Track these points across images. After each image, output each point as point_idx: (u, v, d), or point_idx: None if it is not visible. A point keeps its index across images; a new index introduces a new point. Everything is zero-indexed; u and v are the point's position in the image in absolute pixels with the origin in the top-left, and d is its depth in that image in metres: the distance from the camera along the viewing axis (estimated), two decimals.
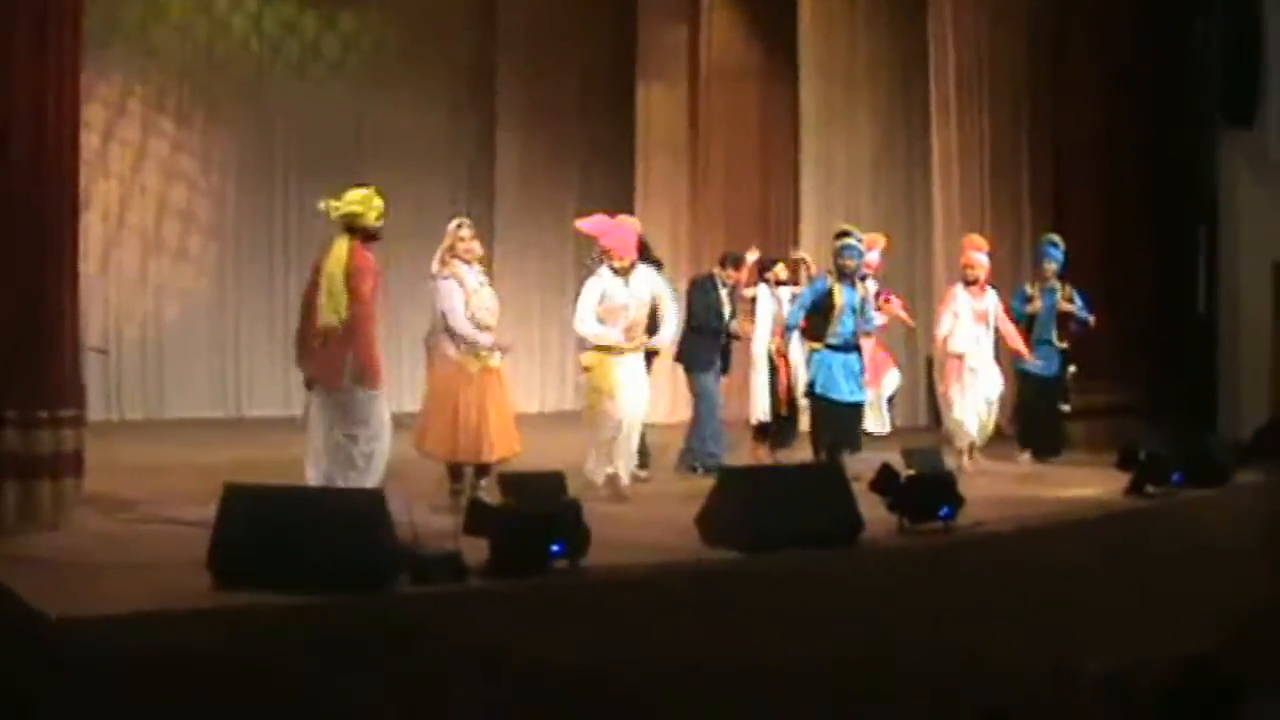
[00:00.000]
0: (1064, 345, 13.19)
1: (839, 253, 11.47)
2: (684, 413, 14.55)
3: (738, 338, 12.52)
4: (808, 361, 11.60)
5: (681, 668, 6.60)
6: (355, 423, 8.78)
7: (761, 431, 12.69)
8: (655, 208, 18.08)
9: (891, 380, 13.28)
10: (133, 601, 6.63)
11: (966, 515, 9.21)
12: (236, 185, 17.93)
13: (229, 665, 5.99)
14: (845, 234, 11.64)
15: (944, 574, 8.61)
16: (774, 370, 12.53)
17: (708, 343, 12.27)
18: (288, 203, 17.86)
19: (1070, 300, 13.13)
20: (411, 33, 18.75)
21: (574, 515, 7.63)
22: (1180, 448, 11.11)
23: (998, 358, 12.84)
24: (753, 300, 12.73)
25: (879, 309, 12.53)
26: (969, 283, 12.65)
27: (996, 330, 12.72)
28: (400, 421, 9.21)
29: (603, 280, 10.55)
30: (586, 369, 10.74)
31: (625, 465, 10.60)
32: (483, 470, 9.84)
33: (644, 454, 11.27)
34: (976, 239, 13.08)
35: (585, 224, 11.13)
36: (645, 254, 11.07)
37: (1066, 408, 13.38)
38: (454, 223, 10.20)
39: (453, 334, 9.88)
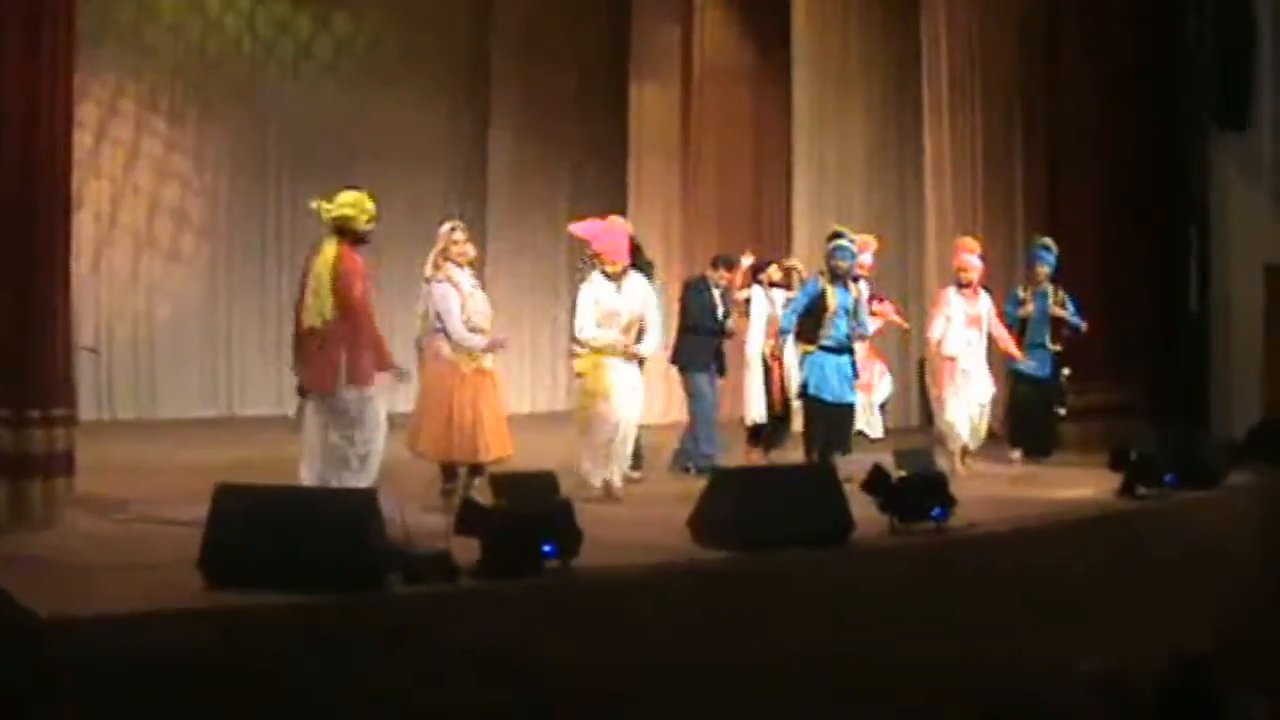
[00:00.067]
0: (1057, 348, 13.21)
1: (831, 254, 11.48)
2: (677, 414, 14.57)
3: (731, 335, 12.53)
4: (801, 363, 11.61)
5: (674, 668, 6.61)
6: (349, 424, 8.77)
7: (755, 434, 12.69)
8: (648, 207, 18.08)
9: (884, 387, 13.27)
10: (124, 601, 6.62)
11: (958, 516, 9.22)
12: (229, 185, 17.90)
13: (221, 665, 5.98)
14: (838, 235, 11.64)
15: (935, 574, 8.61)
16: (767, 372, 12.54)
17: (702, 343, 12.26)
18: (280, 202, 17.83)
19: (1062, 305, 13.15)
20: (405, 32, 18.73)
21: (566, 516, 7.63)
22: (1172, 448, 11.11)
23: (990, 360, 12.84)
24: (746, 302, 12.74)
25: (872, 313, 12.53)
26: (962, 285, 12.65)
27: (989, 333, 12.72)
28: (393, 422, 9.20)
29: (596, 286, 10.57)
30: (579, 374, 10.76)
31: (619, 468, 10.61)
32: (476, 470, 9.83)
33: (637, 455, 11.27)
34: (969, 241, 13.08)
35: (578, 228, 11.15)
36: (637, 255, 11.08)
37: (1062, 411, 13.41)
38: (447, 225, 10.18)
39: (447, 335, 9.88)
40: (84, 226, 15.39)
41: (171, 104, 17.44)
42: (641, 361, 10.74)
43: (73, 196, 9.53)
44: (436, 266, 9.95)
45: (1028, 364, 13.09)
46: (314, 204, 9.09)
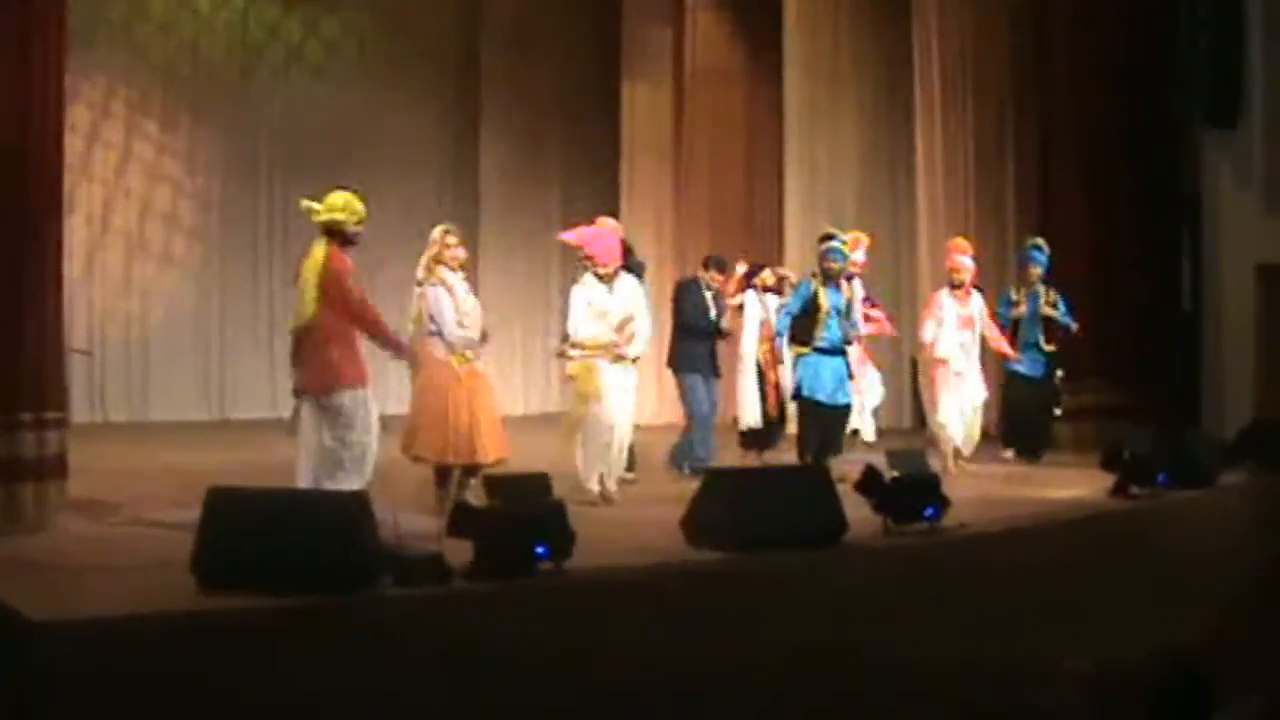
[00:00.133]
0: (1050, 348, 13.22)
1: (824, 255, 11.48)
2: (669, 415, 14.59)
3: (727, 335, 12.53)
4: (795, 365, 11.61)
5: (667, 669, 6.60)
6: (343, 425, 8.76)
7: (749, 438, 12.70)
8: (640, 207, 18.11)
9: (875, 392, 13.26)
10: (116, 604, 6.62)
11: (951, 516, 9.22)
12: (221, 187, 17.91)
13: (213, 667, 5.97)
14: (829, 236, 11.65)
15: (929, 575, 8.61)
16: (761, 376, 12.56)
17: (696, 345, 12.26)
18: (272, 205, 17.84)
19: (1053, 306, 13.17)
20: (396, 35, 18.75)
21: (558, 517, 7.62)
22: (1165, 448, 11.12)
23: (984, 362, 12.85)
24: (740, 307, 12.75)
25: (866, 319, 12.52)
26: (954, 286, 12.66)
27: (982, 334, 12.73)
28: (385, 424, 9.20)
29: (588, 288, 10.59)
30: (571, 377, 10.77)
31: (614, 470, 10.61)
32: (470, 471, 9.81)
33: (630, 457, 11.27)
34: (961, 242, 13.09)
35: (568, 235, 11.20)
36: (629, 256, 11.08)
37: (1058, 411, 13.43)
38: (439, 229, 10.17)
39: (441, 337, 9.86)
40: (76, 229, 15.41)
41: (163, 107, 17.46)
42: (634, 361, 10.74)
43: (64, 199, 9.53)
44: (429, 270, 9.94)
45: (1020, 364, 13.11)
46: (303, 204, 9.10)
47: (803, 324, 11.38)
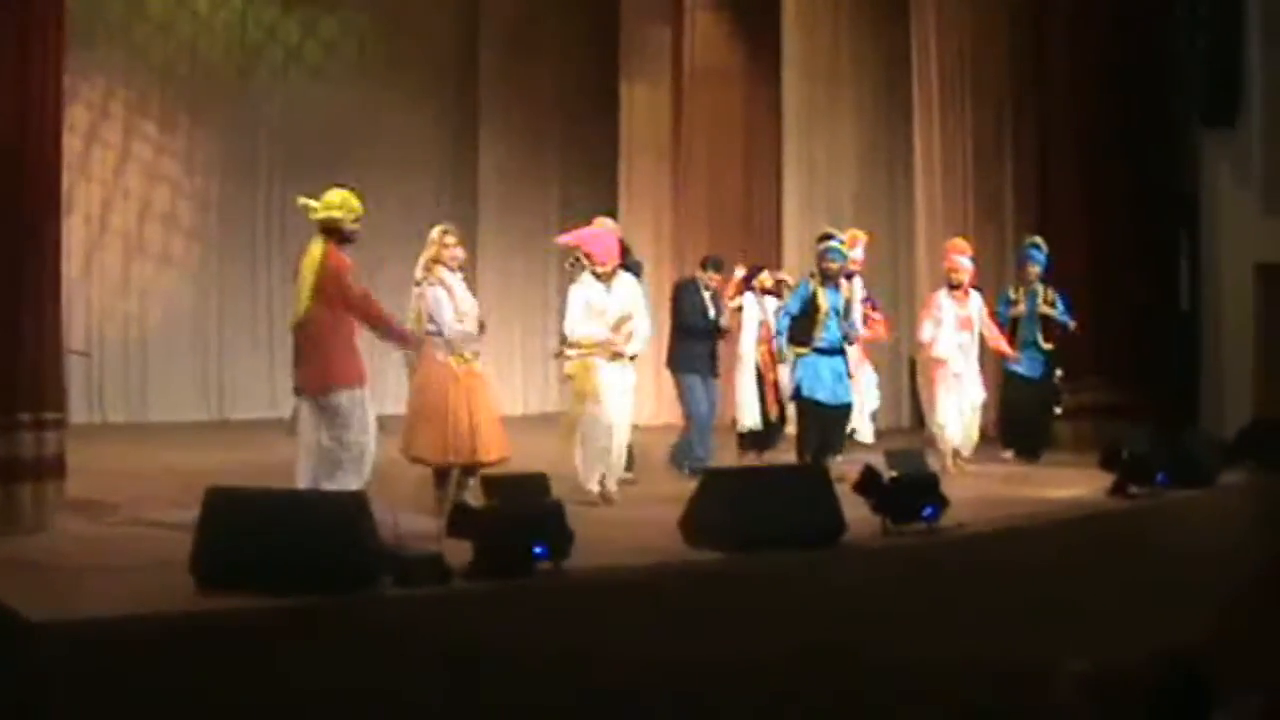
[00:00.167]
0: (1049, 347, 13.22)
1: (822, 255, 11.48)
2: (668, 416, 14.58)
3: (726, 334, 12.53)
4: (794, 366, 11.61)
5: (666, 668, 6.60)
6: (339, 426, 8.75)
7: (748, 439, 12.69)
8: (638, 208, 18.11)
9: (871, 395, 13.26)
10: (115, 604, 6.61)
11: (950, 516, 9.22)
12: (220, 188, 17.91)
13: (212, 668, 5.97)
14: (827, 236, 11.65)
15: (927, 575, 8.61)
16: (760, 379, 12.55)
17: (695, 345, 12.25)
18: (270, 205, 17.84)
19: (1051, 304, 13.17)
20: (394, 35, 18.75)
21: (557, 517, 7.62)
22: (1164, 448, 11.12)
23: (983, 362, 12.84)
24: (738, 310, 12.75)
25: (866, 320, 12.52)
26: (952, 286, 12.66)
27: (980, 333, 12.73)
28: (383, 424, 9.19)
29: (585, 287, 10.59)
30: (569, 376, 10.76)
31: (613, 471, 10.60)
32: (470, 471, 9.80)
33: (629, 457, 11.27)
34: (960, 243, 13.09)
35: (565, 237, 11.21)
36: (626, 256, 11.08)
37: (1058, 410, 13.43)
38: (437, 229, 10.16)
39: (441, 337, 9.84)
40: (74, 230, 15.41)
41: (161, 107, 17.46)
42: (631, 359, 10.73)
43: (63, 200, 9.52)
44: (428, 269, 9.94)
45: (1019, 364, 13.11)
46: (300, 202, 9.08)
47: (801, 324, 11.38)
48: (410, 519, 8.14)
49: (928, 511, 9.06)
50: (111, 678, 5.74)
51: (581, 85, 19.51)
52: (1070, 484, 11.44)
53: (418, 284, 9.95)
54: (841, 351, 11.47)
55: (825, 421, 11.33)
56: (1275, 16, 14.28)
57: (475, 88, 19.35)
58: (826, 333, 11.33)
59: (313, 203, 8.96)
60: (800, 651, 6.86)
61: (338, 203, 8.92)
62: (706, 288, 12.37)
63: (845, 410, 11.57)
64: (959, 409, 12.47)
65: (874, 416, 13.32)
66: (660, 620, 7.23)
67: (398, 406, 10.43)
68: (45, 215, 8.94)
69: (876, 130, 16.87)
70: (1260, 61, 14.34)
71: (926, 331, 12.71)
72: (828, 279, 11.43)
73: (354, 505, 7.25)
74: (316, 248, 8.85)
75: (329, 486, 8.54)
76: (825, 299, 11.36)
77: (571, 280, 10.96)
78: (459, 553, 7.27)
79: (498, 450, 9.85)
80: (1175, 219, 15.15)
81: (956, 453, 12.52)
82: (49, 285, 8.98)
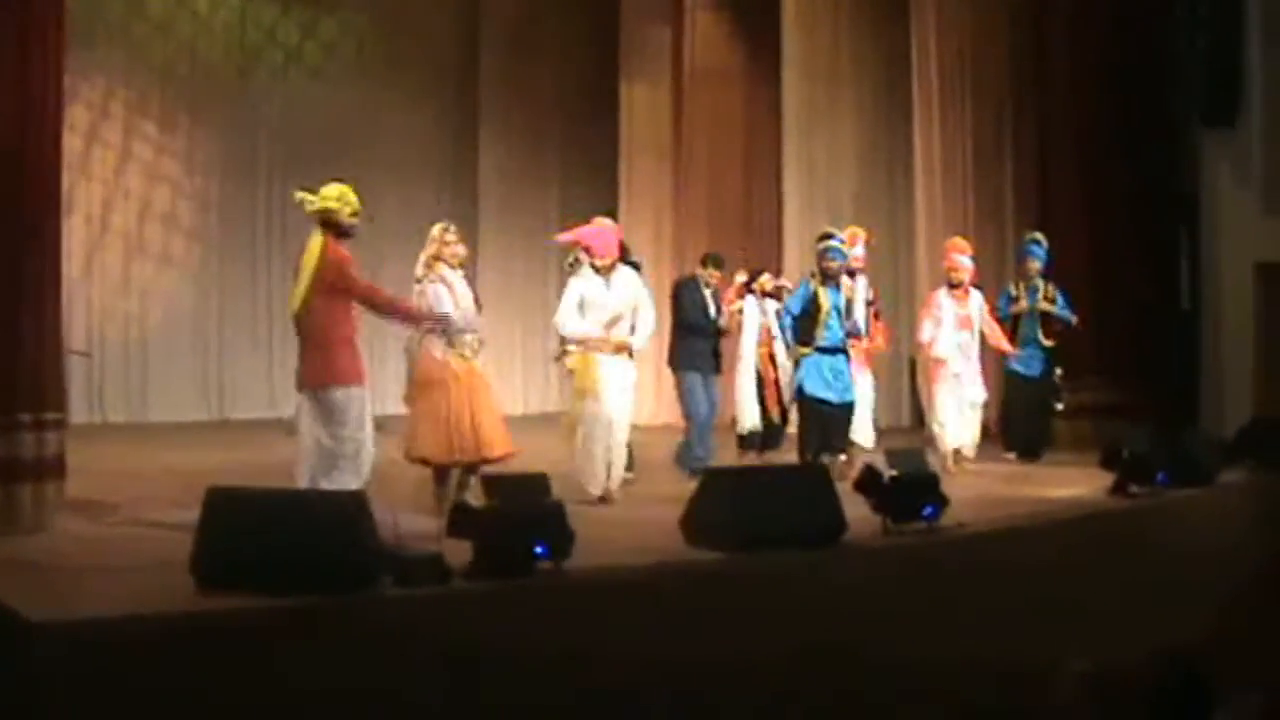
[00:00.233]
0: (1049, 344, 13.22)
1: (822, 255, 11.48)
2: (668, 415, 14.58)
3: (727, 333, 12.52)
4: (796, 366, 11.60)
5: (666, 668, 6.59)
6: (335, 422, 8.74)
7: (747, 441, 12.68)
8: (639, 207, 18.12)
9: (867, 400, 13.23)
10: (115, 605, 6.60)
11: (950, 516, 9.21)
12: (220, 187, 17.92)
13: (212, 668, 5.97)
14: (827, 236, 11.66)
15: (928, 574, 8.60)
16: (761, 380, 12.55)
17: (695, 343, 12.23)
18: (270, 205, 17.85)
19: (1051, 300, 13.17)
20: (394, 35, 18.76)
21: (558, 517, 7.61)
22: (1164, 447, 11.11)
23: (984, 362, 12.84)
24: (739, 313, 12.75)
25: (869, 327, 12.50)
26: (952, 286, 12.65)
27: (981, 332, 12.72)
28: (382, 424, 9.18)
29: (584, 280, 10.56)
30: (571, 371, 10.75)
31: (614, 470, 10.59)
32: (471, 469, 9.78)
33: (629, 456, 11.26)
34: (960, 242, 13.09)
35: (564, 236, 11.20)
36: (624, 256, 11.08)
37: (1059, 406, 13.43)
38: (438, 227, 10.16)
39: (442, 335, 9.83)
40: (75, 230, 15.42)
41: (161, 108, 17.47)
42: (631, 353, 10.70)
43: (63, 200, 9.52)
44: (429, 267, 9.94)
45: (1019, 362, 13.11)
46: (297, 196, 9.05)
47: (803, 324, 11.39)
48: (410, 519, 8.13)
49: (928, 511, 9.05)
50: (111, 678, 5.73)
51: (581, 85, 19.51)
52: (1070, 483, 11.43)
53: (418, 281, 9.95)
54: (843, 350, 11.47)
55: (827, 420, 11.33)
56: (1275, 16, 14.29)
57: (475, 88, 19.35)
58: (828, 332, 11.33)
59: (310, 196, 8.93)
60: (801, 651, 6.86)
61: (335, 195, 8.89)
62: (707, 285, 12.36)
63: (847, 409, 11.56)
64: (959, 408, 12.46)
65: (875, 423, 13.31)
66: (660, 620, 7.23)
67: (397, 406, 10.43)
68: (45, 215, 8.93)
69: (876, 130, 16.89)
70: (1260, 61, 14.35)
71: (926, 331, 12.70)
72: (828, 278, 11.43)
73: (354, 505, 7.24)
74: (315, 242, 8.83)
75: (327, 484, 8.53)
76: (826, 298, 11.36)
77: (571, 274, 10.94)
78: (459, 553, 7.26)
79: (502, 447, 9.83)
80: (1175, 219, 15.16)
81: (957, 452, 12.51)
82: (49, 285, 8.97)
